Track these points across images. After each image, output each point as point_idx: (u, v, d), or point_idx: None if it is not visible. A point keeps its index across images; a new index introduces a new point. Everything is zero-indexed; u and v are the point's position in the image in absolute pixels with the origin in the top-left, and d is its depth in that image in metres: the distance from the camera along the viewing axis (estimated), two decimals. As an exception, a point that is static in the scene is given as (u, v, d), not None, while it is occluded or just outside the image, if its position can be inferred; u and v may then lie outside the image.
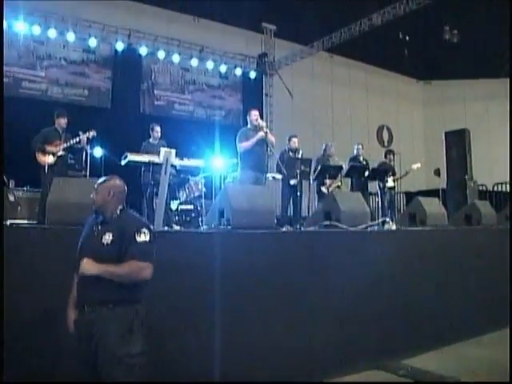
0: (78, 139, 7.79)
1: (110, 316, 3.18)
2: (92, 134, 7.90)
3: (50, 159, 7.55)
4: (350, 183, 10.10)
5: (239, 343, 4.68)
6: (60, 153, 7.63)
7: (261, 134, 7.39)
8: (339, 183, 9.43)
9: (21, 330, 3.84)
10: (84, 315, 3.23)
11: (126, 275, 3.20)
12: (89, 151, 8.95)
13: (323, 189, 9.45)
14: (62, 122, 7.85)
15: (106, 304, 3.18)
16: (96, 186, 3.53)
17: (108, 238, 3.26)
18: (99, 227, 3.37)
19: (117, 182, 3.62)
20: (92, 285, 3.19)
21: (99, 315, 3.18)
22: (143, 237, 3.27)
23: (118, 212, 3.44)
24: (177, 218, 8.54)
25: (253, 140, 7.41)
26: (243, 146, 7.48)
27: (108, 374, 3.13)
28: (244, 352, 4.69)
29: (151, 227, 3.45)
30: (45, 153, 7.55)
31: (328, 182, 9.45)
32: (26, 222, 7.68)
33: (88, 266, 3.20)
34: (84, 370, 3.24)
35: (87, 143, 8.05)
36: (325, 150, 9.95)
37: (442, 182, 12.21)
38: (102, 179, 3.60)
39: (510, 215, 8.44)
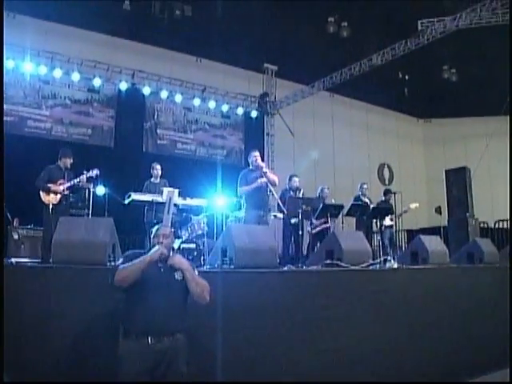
0: (79, 179, 7.83)
1: (184, 344, 3.68)
2: (95, 172, 7.95)
3: (53, 199, 7.58)
4: (354, 222, 10.11)
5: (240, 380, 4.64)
6: (65, 192, 7.66)
7: (260, 180, 7.48)
8: (327, 225, 9.37)
9: (25, 367, 3.86)
10: (153, 344, 3.51)
11: (203, 286, 3.74)
12: (92, 190, 9.00)
13: (308, 228, 9.48)
14: (68, 161, 7.90)
15: (179, 332, 3.65)
16: (168, 231, 3.91)
17: (178, 275, 3.71)
18: (166, 267, 3.70)
19: None
20: (167, 314, 3.57)
21: (175, 344, 3.60)
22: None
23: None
24: (178, 256, 8.53)
25: (251, 186, 7.50)
26: (243, 190, 7.61)
27: None
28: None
29: None
30: (49, 192, 7.58)
31: (315, 222, 9.47)
32: (28, 260, 7.68)
33: (180, 260, 3.73)
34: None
35: (88, 182, 8.08)
36: (320, 192, 10.01)
37: (443, 220, 12.22)
38: (165, 227, 4.04)
39: (510, 253, 8.42)
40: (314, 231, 9.52)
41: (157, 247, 3.67)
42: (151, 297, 3.57)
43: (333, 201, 9.28)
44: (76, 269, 4.15)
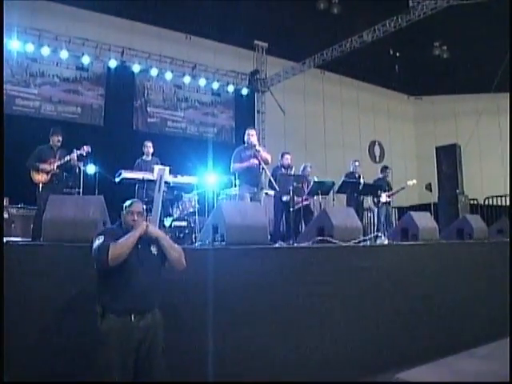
0: (69, 157, 7.79)
1: (161, 319, 3.75)
2: (86, 150, 7.91)
3: (44, 177, 7.55)
4: (345, 199, 10.13)
5: (232, 358, 4.70)
6: (54, 171, 7.63)
7: (252, 161, 7.52)
8: (306, 202, 9.36)
9: (18, 345, 3.88)
10: (136, 321, 3.58)
11: (179, 252, 3.83)
12: (82, 168, 8.97)
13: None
14: (56, 139, 7.86)
15: (157, 307, 3.74)
16: (141, 208, 3.91)
17: (154, 249, 3.78)
18: (142, 242, 3.73)
19: None
20: (148, 291, 3.65)
21: (155, 319, 3.69)
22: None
23: None
24: (170, 234, 8.55)
25: (243, 165, 7.57)
26: (235, 167, 7.66)
27: (159, 364, 3.67)
28: (236, 367, 4.70)
29: None
30: (39, 171, 7.55)
31: (296, 199, 9.45)
32: (19, 239, 7.68)
33: (155, 229, 3.84)
34: (120, 365, 3.52)
35: (79, 160, 8.05)
36: (303, 170, 9.99)
37: (433, 197, 12.29)
38: (138, 203, 3.96)
39: (510, 239, 8.46)
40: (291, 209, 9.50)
41: (144, 223, 3.71)
42: (133, 275, 3.60)
43: (315, 178, 9.24)
44: (66, 247, 4.15)
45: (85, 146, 7.92)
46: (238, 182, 7.87)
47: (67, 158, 7.74)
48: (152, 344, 3.63)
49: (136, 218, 3.77)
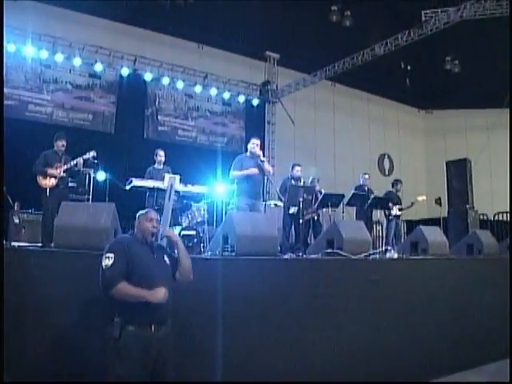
0: (75, 161, 7.79)
1: (170, 330, 3.72)
2: (92, 154, 7.89)
3: (51, 182, 7.56)
4: (355, 212, 10.12)
5: (241, 368, 4.68)
6: (61, 175, 7.64)
7: (252, 170, 7.34)
8: (315, 214, 9.37)
9: (25, 348, 3.88)
10: (155, 332, 3.56)
11: (190, 260, 3.89)
12: (92, 175, 9.00)
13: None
14: (60, 144, 7.82)
15: (168, 321, 3.70)
16: (157, 217, 3.91)
17: (167, 259, 3.82)
18: (157, 251, 3.80)
19: None
20: (164, 305, 3.57)
21: (167, 331, 3.66)
22: None
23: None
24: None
25: (243, 173, 7.34)
26: (234, 174, 7.44)
27: (171, 376, 3.68)
28: (245, 376, 4.67)
29: None
30: (46, 176, 7.54)
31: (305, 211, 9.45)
32: (27, 244, 7.68)
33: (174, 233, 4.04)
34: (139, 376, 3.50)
35: (85, 165, 8.05)
36: (310, 182, 9.98)
37: (442, 211, 12.24)
38: (152, 212, 3.95)
39: (510, 244, 8.44)
40: (306, 217, 9.51)
41: (163, 290, 3.55)
42: (152, 285, 3.55)
43: (322, 191, 9.24)
44: (78, 253, 4.16)
45: (90, 152, 7.91)
46: (236, 191, 7.63)
47: (73, 162, 7.74)
48: (168, 353, 3.64)
49: (155, 225, 3.79)
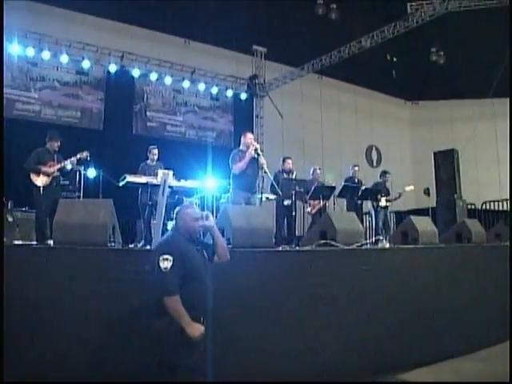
0: (69, 161, 7.79)
1: None
2: (85, 154, 7.91)
3: (45, 180, 7.56)
4: (345, 203, 10.21)
5: (234, 359, 4.75)
6: (55, 174, 7.65)
7: (250, 149, 7.32)
8: (323, 204, 9.50)
9: (25, 345, 3.93)
10: (203, 324, 3.66)
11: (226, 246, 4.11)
12: (82, 172, 9.01)
13: (308, 210, 9.63)
14: (55, 144, 7.83)
15: None
16: (202, 213, 3.91)
17: (205, 253, 3.92)
18: (199, 247, 3.88)
19: None
20: (205, 300, 3.73)
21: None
22: None
23: None
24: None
25: (245, 160, 7.30)
26: (238, 167, 7.35)
27: None
28: (236, 368, 4.76)
29: None
30: (39, 173, 7.54)
31: (312, 202, 9.60)
32: (21, 242, 7.69)
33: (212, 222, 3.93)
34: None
35: (77, 164, 8.08)
36: (312, 173, 10.12)
37: (431, 201, 12.37)
38: (196, 209, 4.03)
39: (510, 243, 8.54)
40: (313, 211, 9.65)
41: (202, 328, 3.62)
42: (203, 281, 3.71)
43: (329, 181, 9.39)
44: (78, 250, 4.20)
45: (84, 152, 7.92)
46: (232, 185, 7.63)
47: (67, 162, 7.74)
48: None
49: (202, 223, 3.84)
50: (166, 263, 3.50)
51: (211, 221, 3.88)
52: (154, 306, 3.58)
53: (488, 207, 14.70)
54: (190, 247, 3.75)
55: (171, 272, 3.51)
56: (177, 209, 3.93)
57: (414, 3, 12.63)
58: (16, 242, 6.57)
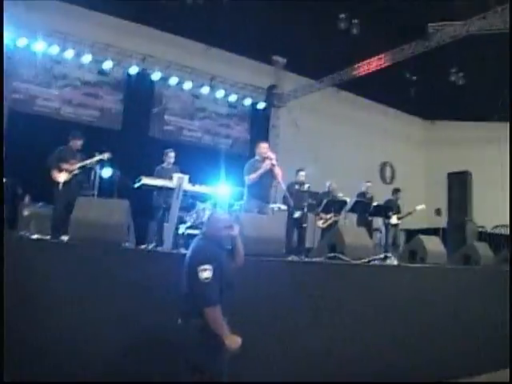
0: (90, 161, 7.96)
1: None
2: (107, 155, 8.09)
3: (64, 177, 7.72)
4: (356, 219, 10.26)
5: (243, 369, 4.76)
6: (75, 171, 7.81)
7: (266, 163, 7.49)
8: (335, 219, 9.57)
9: (35, 338, 4.01)
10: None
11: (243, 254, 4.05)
12: (98, 171, 9.14)
13: (319, 223, 9.68)
14: (78, 143, 8.06)
15: None
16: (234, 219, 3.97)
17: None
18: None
19: None
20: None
21: None
22: None
23: None
24: (182, 241, 8.67)
25: (259, 172, 7.48)
26: (250, 178, 7.55)
27: None
28: (243, 376, 4.78)
29: None
30: (60, 170, 7.73)
31: (323, 216, 9.65)
32: (35, 236, 7.79)
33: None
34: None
35: (97, 163, 8.23)
36: (329, 186, 10.19)
37: (441, 222, 12.38)
38: (229, 217, 4.03)
39: (510, 254, 8.57)
40: (324, 225, 9.70)
41: (240, 341, 3.61)
42: (232, 285, 3.74)
43: (340, 195, 9.44)
44: (95, 247, 4.29)
45: (106, 153, 8.08)
46: (246, 194, 7.82)
47: (89, 161, 7.92)
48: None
49: (234, 231, 3.88)
50: (206, 273, 3.47)
51: (236, 229, 3.88)
52: (192, 309, 3.59)
53: (499, 231, 14.66)
54: (223, 254, 3.76)
55: (212, 284, 3.48)
56: (208, 215, 3.99)
57: (434, 24, 12.67)
58: (31, 236, 6.65)
